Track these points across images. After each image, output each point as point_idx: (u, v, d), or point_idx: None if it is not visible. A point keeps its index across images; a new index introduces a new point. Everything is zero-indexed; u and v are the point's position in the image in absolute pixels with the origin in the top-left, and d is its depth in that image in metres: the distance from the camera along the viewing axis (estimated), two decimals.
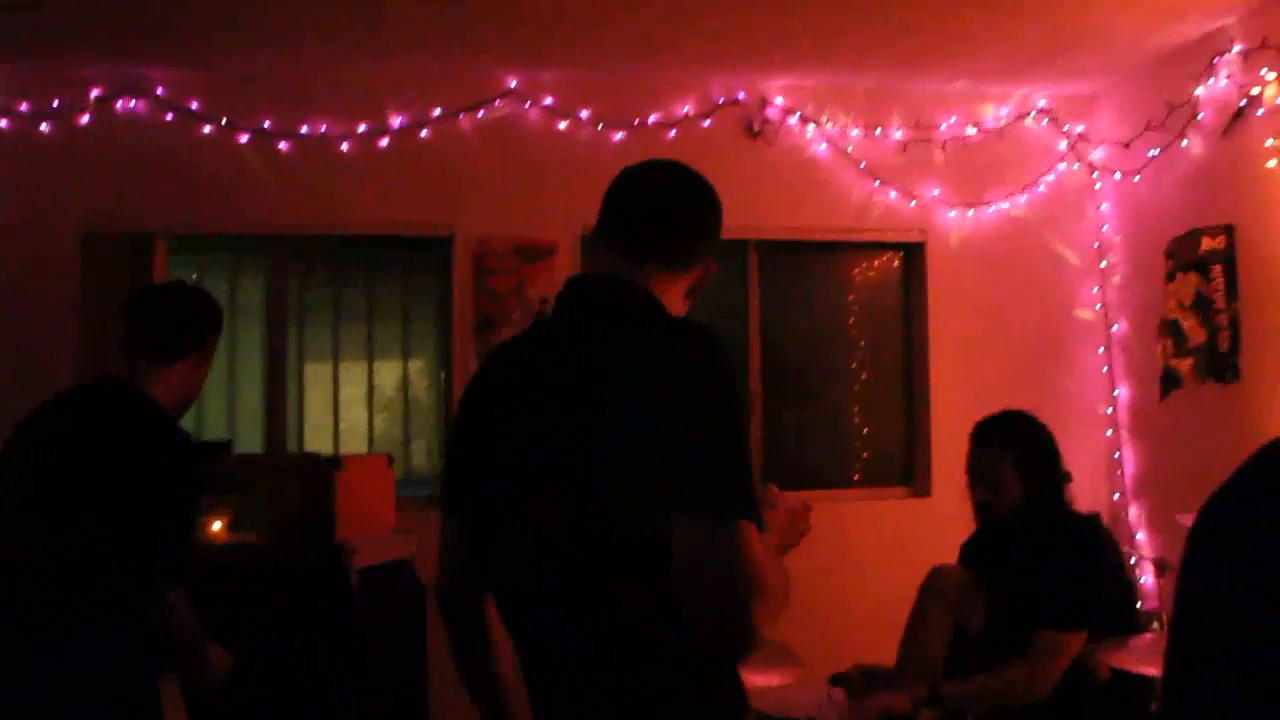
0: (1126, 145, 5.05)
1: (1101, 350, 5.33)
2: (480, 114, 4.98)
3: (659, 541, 1.41)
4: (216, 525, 3.47)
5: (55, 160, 4.78)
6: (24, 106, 4.76)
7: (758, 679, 2.46)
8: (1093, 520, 3.19)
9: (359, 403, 5.22)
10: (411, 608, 3.95)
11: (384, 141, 4.92)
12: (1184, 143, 4.70)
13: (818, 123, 5.20)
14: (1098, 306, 5.34)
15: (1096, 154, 5.34)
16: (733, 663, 1.58)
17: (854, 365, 5.47)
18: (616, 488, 1.47)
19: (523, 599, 1.63)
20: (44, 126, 4.77)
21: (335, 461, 3.60)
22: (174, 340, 2.49)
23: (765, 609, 1.42)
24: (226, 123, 4.85)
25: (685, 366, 1.50)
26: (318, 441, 5.03)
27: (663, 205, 1.75)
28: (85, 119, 4.80)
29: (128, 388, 2.43)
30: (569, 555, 1.53)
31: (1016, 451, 3.07)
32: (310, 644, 3.36)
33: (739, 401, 1.52)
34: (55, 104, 4.77)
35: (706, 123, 5.11)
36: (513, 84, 5.00)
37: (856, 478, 5.42)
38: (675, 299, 1.72)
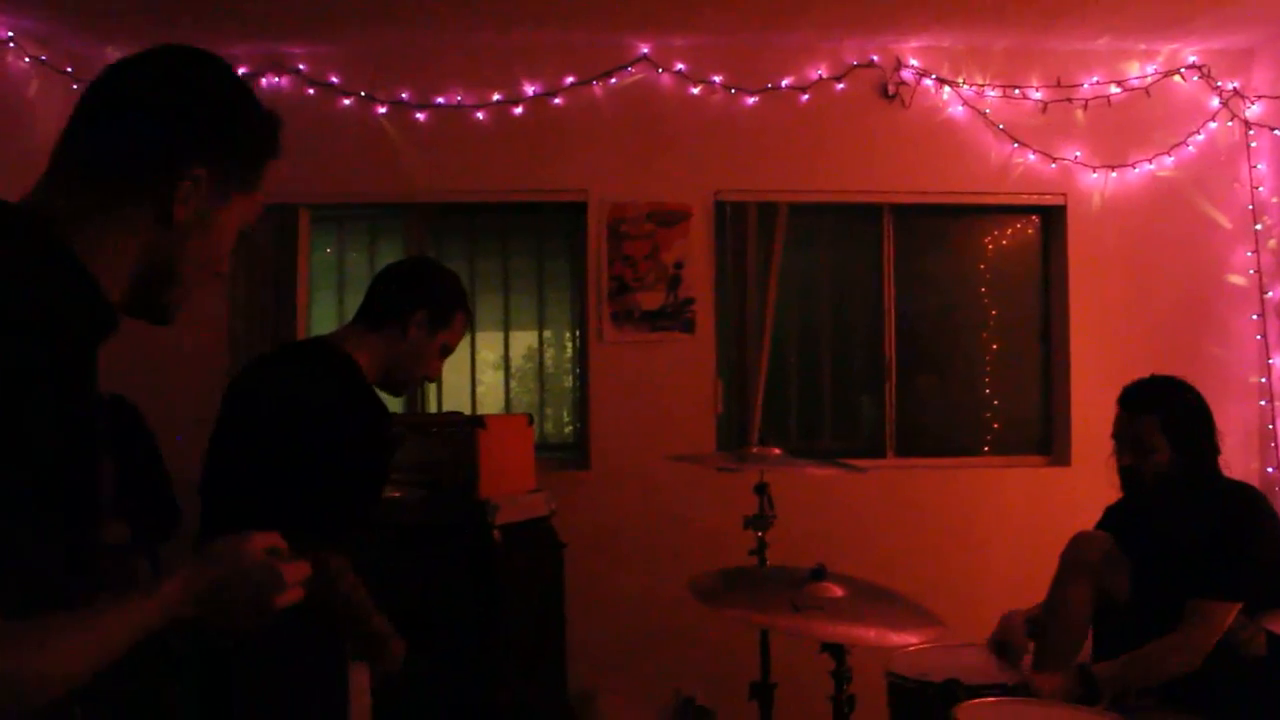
0: None
1: (1255, 317, 5.10)
2: (613, 81, 5.00)
3: None
4: None
5: None
6: None
7: (895, 638, 2.44)
8: (1252, 489, 3.08)
9: (492, 368, 5.32)
10: (550, 564, 4.04)
11: (518, 110, 4.99)
12: None
13: (954, 84, 5.09)
14: (1251, 271, 5.11)
15: (1252, 111, 5.10)
16: None
17: (986, 333, 5.35)
18: None
19: None
20: None
21: (478, 420, 3.68)
22: (382, 307, 2.53)
23: None
24: (365, 95, 4.98)
25: None
26: (454, 406, 5.15)
27: (82, 107, 1.30)
28: None
29: (333, 349, 2.47)
30: None
31: (1165, 416, 2.98)
32: (454, 599, 3.45)
33: None
34: None
35: (840, 85, 5.04)
36: (645, 50, 5.00)
37: (987, 448, 5.31)
38: (116, 244, 1.27)
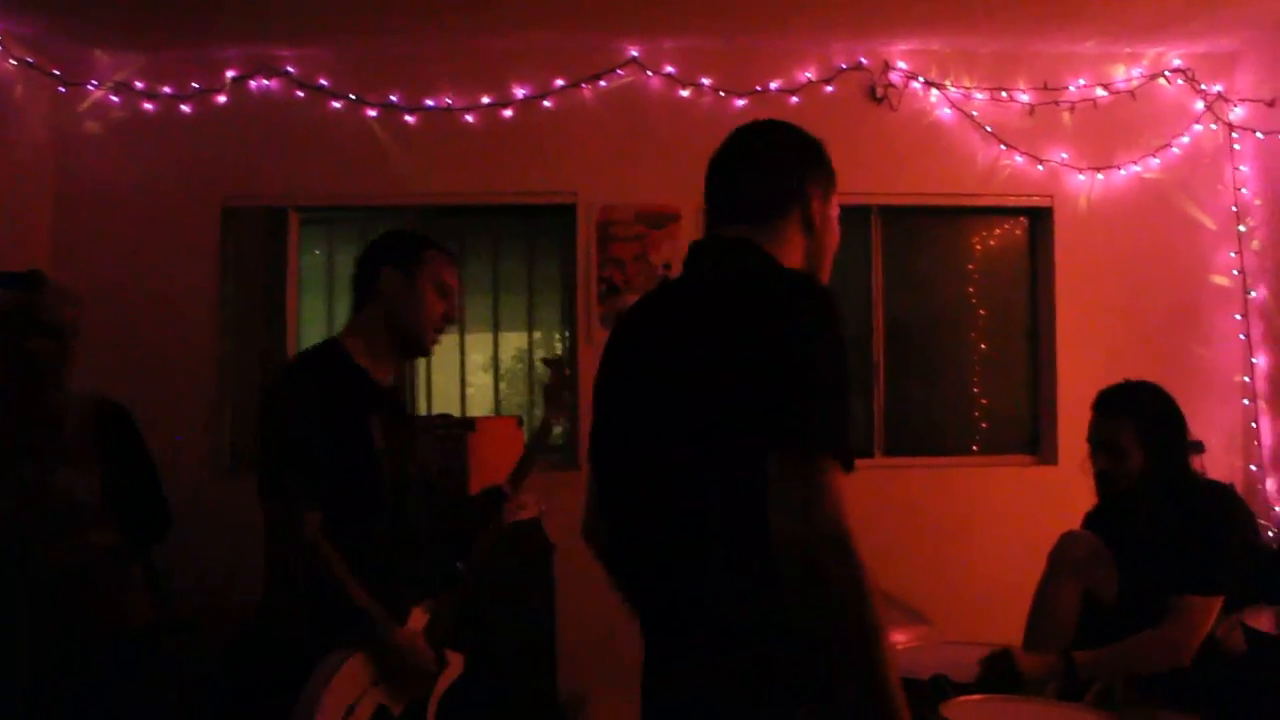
0: (1270, 104, 4.87)
1: (1238, 317, 5.15)
2: (602, 83, 5.02)
3: (755, 480, 1.47)
4: None
5: (196, 139, 4.97)
6: (167, 89, 4.97)
7: None
8: (1225, 487, 3.12)
9: (483, 369, 5.33)
10: (541, 566, 4.04)
11: (507, 112, 5.00)
12: None
13: (941, 87, 5.12)
14: (1235, 272, 5.16)
15: (1236, 113, 5.14)
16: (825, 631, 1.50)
17: (974, 333, 5.39)
18: (713, 421, 1.53)
19: (626, 545, 1.83)
20: (185, 107, 4.97)
21: (468, 423, 3.70)
22: (357, 288, 2.65)
23: (838, 550, 1.51)
24: (355, 98, 4.99)
25: (786, 310, 1.53)
26: (444, 408, 5.15)
27: (730, 170, 1.83)
28: (222, 99, 4.98)
29: (331, 345, 2.60)
30: (666, 497, 1.62)
31: (1138, 420, 3.01)
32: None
33: (840, 349, 1.54)
34: (195, 85, 4.97)
35: (829, 88, 5.07)
36: (634, 53, 5.02)
37: (975, 447, 5.34)
38: (790, 249, 1.77)
